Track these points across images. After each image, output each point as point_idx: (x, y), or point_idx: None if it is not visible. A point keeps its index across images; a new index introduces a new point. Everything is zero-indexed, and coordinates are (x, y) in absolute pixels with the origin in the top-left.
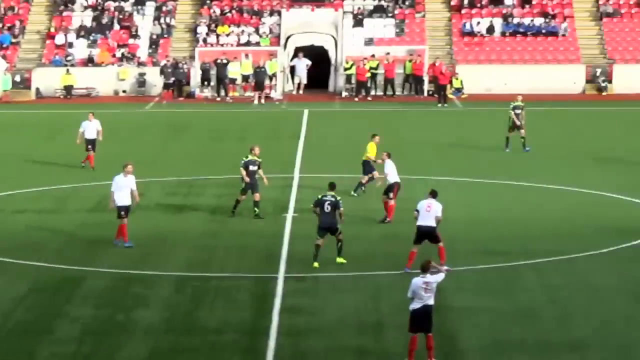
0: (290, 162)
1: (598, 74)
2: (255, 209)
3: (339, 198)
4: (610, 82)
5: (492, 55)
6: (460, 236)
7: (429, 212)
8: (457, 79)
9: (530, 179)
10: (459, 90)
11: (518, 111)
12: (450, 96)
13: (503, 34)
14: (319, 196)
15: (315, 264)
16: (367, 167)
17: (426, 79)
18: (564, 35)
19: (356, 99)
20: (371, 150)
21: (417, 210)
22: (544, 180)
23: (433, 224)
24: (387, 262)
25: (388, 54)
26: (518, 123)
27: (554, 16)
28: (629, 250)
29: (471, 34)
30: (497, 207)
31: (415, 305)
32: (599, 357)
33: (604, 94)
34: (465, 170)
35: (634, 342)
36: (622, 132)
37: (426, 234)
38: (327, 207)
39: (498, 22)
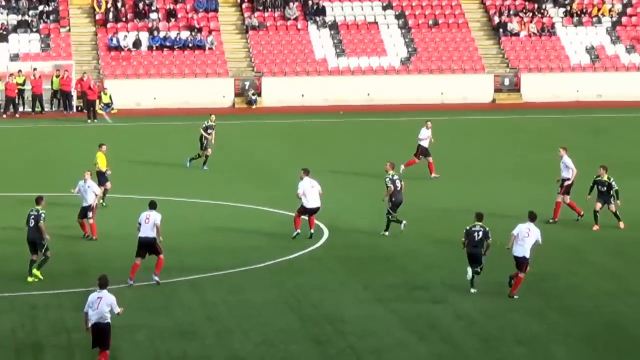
0: None
1: (247, 87)
2: None
3: (42, 211)
4: (259, 95)
5: (140, 69)
6: (117, 252)
7: (148, 224)
8: (105, 94)
9: (185, 194)
10: (108, 106)
11: (211, 130)
12: (100, 111)
13: (150, 48)
14: (29, 211)
15: (29, 279)
16: (101, 178)
17: (74, 94)
18: (210, 48)
19: (4, 116)
20: (100, 161)
21: (140, 223)
22: (197, 194)
23: (153, 234)
24: (42, 282)
25: (35, 69)
26: (207, 141)
27: (200, 30)
28: (285, 264)
29: (118, 48)
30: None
31: (91, 320)
32: None
33: (253, 107)
34: (120, 186)
35: (292, 356)
36: (272, 145)
37: (146, 245)
38: (31, 222)
39: (144, 36)
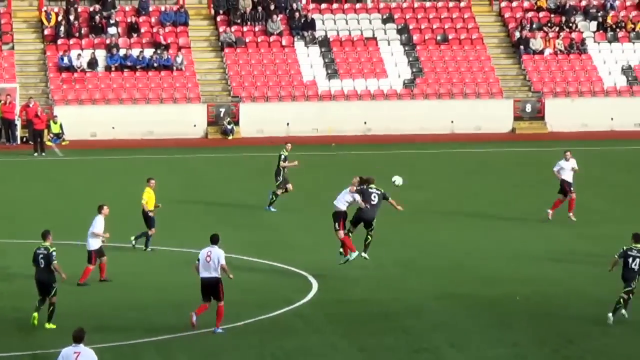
0: None
1: (222, 114)
2: None
3: (52, 250)
4: (237, 124)
5: (95, 94)
6: (71, 306)
7: (210, 262)
8: (55, 122)
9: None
10: (58, 137)
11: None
12: (49, 143)
13: (108, 68)
14: (35, 249)
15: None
16: (149, 219)
17: (19, 123)
18: (179, 69)
19: None
20: (148, 198)
21: (198, 260)
22: (162, 241)
23: (216, 274)
24: None
25: None
26: (284, 175)
27: (166, 47)
28: (266, 322)
29: (70, 68)
30: (111, 272)
31: None
32: None
33: (230, 138)
34: (70, 230)
35: None
36: (251, 183)
37: (208, 287)
38: (41, 262)
39: (101, 55)
